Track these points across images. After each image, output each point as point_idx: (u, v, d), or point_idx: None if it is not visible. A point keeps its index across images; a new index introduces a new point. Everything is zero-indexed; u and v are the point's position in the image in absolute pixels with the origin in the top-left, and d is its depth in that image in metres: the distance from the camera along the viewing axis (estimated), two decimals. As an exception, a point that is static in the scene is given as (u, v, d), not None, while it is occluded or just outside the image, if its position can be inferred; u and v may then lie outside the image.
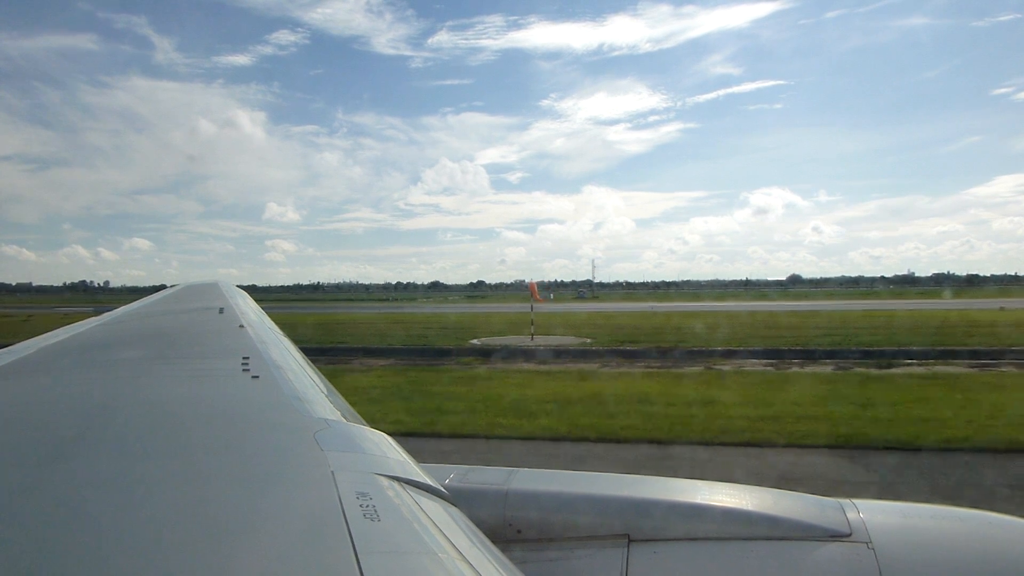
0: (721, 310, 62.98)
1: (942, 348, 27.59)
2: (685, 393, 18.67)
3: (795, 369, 24.50)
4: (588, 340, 34.76)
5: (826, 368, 24.47)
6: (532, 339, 34.67)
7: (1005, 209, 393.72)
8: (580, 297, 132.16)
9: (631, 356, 28.60)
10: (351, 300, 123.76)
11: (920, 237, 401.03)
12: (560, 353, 29.43)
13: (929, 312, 51.31)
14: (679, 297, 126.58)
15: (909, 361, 25.44)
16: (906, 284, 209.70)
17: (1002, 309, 51.86)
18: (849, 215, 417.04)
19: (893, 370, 23.50)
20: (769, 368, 24.95)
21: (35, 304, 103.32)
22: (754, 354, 28.20)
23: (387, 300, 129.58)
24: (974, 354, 26.35)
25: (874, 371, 23.43)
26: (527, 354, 29.36)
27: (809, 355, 27.50)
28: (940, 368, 23.54)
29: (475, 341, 34.99)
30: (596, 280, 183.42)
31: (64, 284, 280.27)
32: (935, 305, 64.55)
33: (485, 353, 30.10)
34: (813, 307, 63.45)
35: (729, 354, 28.28)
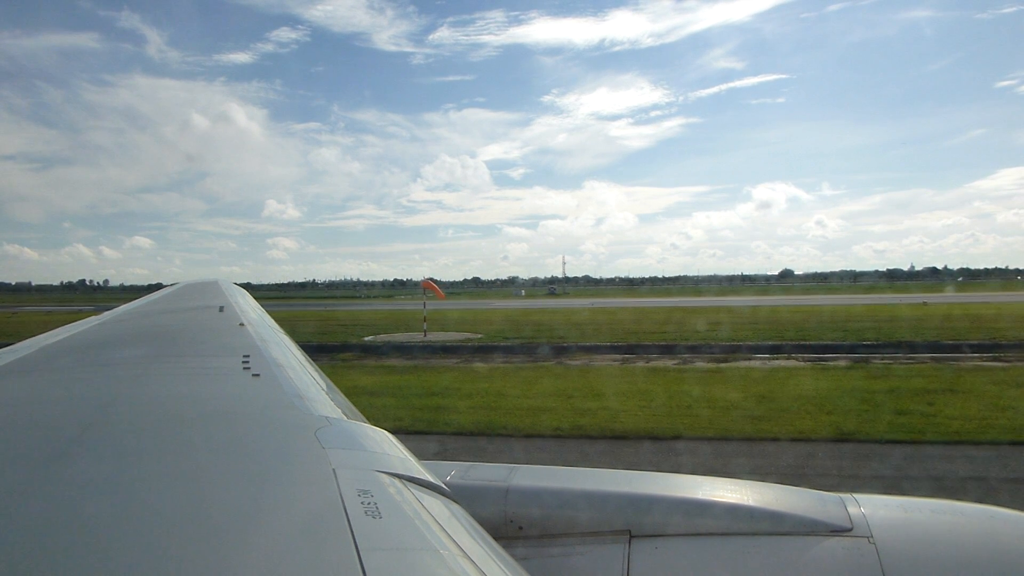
0: (654, 306, 63.52)
1: (797, 343, 28.60)
2: (481, 387, 19.60)
3: (638, 364, 25.29)
4: (479, 336, 35.66)
5: (666, 363, 25.26)
6: (425, 335, 35.57)
7: (1009, 202, 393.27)
8: (551, 294, 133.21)
9: (499, 351, 29.42)
10: (326, 298, 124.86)
11: (925, 231, 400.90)
12: (434, 349, 30.26)
13: (847, 308, 52.04)
14: (654, 293, 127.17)
15: (756, 355, 26.26)
16: (898, 279, 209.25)
17: (924, 304, 52.35)
18: (853, 209, 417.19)
19: (723, 364, 24.29)
20: (613, 363, 25.75)
21: (13, 304, 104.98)
22: (618, 349, 28.98)
23: (358, 297, 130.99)
24: (821, 348, 27.33)
25: (700, 364, 24.33)
26: (402, 350, 30.25)
27: (668, 350, 28.25)
28: (780, 362, 24.49)
29: (368, 337, 35.94)
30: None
31: (61, 283, 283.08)
32: (871, 300, 65.09)
33: (366, 349, 31.05)
34: (754, 302, 64.06)
35: (593, 349, 29.08)
